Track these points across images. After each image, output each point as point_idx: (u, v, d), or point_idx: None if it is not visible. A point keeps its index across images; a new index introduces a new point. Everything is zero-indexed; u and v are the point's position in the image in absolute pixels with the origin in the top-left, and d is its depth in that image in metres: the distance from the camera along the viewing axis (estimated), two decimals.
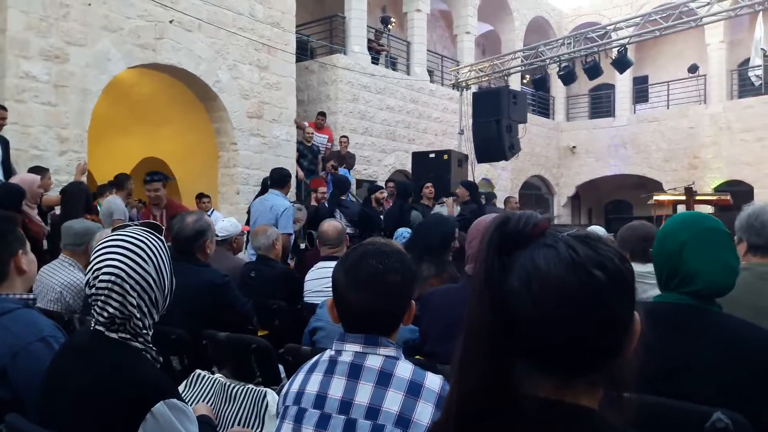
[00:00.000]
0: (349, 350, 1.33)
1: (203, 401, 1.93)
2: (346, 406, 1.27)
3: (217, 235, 3.98)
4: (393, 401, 1.25)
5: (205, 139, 9.48)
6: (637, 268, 2.95)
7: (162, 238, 1.54)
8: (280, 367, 2.48)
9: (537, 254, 0.74)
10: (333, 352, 1.36)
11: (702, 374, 1.46)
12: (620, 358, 0.75)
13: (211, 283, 2.88)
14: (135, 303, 1.42)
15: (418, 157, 10.61)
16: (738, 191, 13.88)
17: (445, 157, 10.09)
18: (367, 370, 1.29)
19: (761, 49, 13.35)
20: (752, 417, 1.33)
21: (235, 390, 1.85)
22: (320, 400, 1.30)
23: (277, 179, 5.54)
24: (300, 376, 1.38)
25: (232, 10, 8.91)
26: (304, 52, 11.50)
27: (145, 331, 1.46)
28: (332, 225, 3.46)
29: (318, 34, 12.47)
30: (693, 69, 16.74)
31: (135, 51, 7.84)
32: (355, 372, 1.30)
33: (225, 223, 4.13)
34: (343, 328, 1.38)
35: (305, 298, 3.38)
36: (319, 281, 3.27)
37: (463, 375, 0.78)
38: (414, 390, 1.27)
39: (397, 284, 1.35)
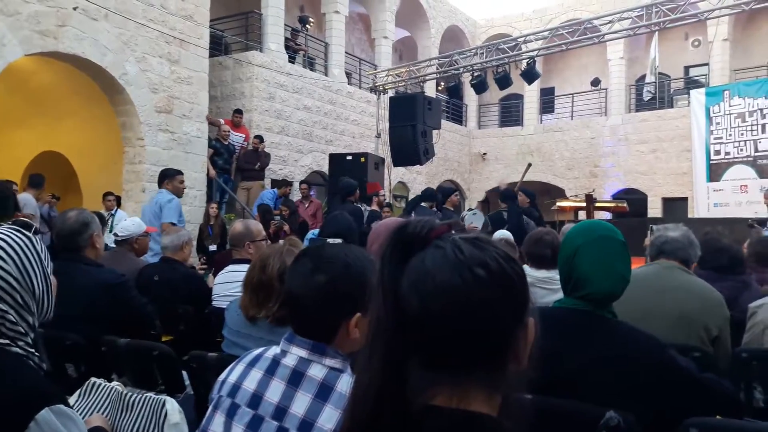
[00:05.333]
0: (295, 354, 1.29)
1: (98, 412, 1.84)
2: (280, 412, 1.23)
3: (117, 235, 3.82)
4: (329, 417, 1.21)
5: (109, 133, 9.00)
6: (534, 273, 3.13)
7: (30, 235, 1.44)
8: (184, 374, 2.40)
9: (426, 255, 0.76)
10: (278, 351, 1.32)
11: (594, 379, 1.54)
12: (511, 361, 0.76)
13: (106, 283, 2.74)
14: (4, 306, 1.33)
15: (336, 159, 10.60)
16: (634, 199, 14.86)
17: (362, 159, 10.15)
18: (308, 379, 1.25)
19: (656, 67, 14.39)
20: (641, 420, 1.42)
21: (132, 399, 1.77)
22: (256, 399, 1.26)
23: (159, 179, 5.75)
24: (240, 367, 1.33)
25: (141, 1, 8.53)
26: (218, 47, 11.18)
27: (23, 335, 1.36)
28: (235, 225, 3.38)
29: (233, 29, 12.18)
30: (595, 83, 17.75)
31: (34, 37, 7.33)
32: (295, 379, 1.26)
33: (127, 222, 3.93)
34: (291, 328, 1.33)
35: (213, 303, 3.28)
36: (228, 285, 3.18)
37: (359, 380, 0.79)
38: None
39: (321, 285, 1.30)
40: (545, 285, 2.99)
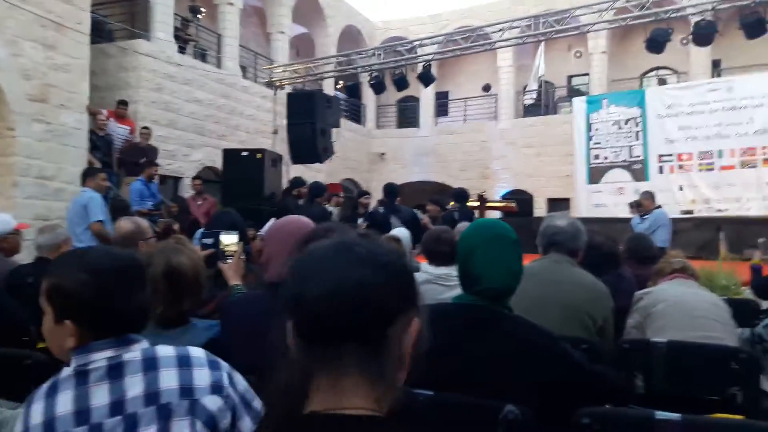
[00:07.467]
0: (100, 358, 1.19)
1: None
2: (117, 406, 1.15)
3: None
4: (169, 379, 1.20)
5: None
6: (433, 270, 3.18)
7: None
8: None
9: None
10: (74, 367, 1.19)
11: (491, 373, 1.56)
12: (388, 353, 0.76)
13: None
14: None
15: (230, 155, 10.25)
16: (521, 199, 15.62)
17: (259, 156, 9.88)
18: (129, 364, 1.20)
19: (540, 76, 15.21)
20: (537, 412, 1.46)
21: (2, 417, 1.59)
22: (83, 415, 1.13)
23: (81, 178, 5.91)
24: (38, 406, 1.15)
25: None
26: (100, 33, 10.47)
27: None
28: (123, 224, 3.16)
29: (117, 16, 11.46)
30: (486, 88, 18.50)
31: None
32: (116, 373, 1.18)
33: None
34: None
35: None
36: None
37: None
38: (184, 361, 1.24)
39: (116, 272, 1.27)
40: (443, 282, 3.04)
